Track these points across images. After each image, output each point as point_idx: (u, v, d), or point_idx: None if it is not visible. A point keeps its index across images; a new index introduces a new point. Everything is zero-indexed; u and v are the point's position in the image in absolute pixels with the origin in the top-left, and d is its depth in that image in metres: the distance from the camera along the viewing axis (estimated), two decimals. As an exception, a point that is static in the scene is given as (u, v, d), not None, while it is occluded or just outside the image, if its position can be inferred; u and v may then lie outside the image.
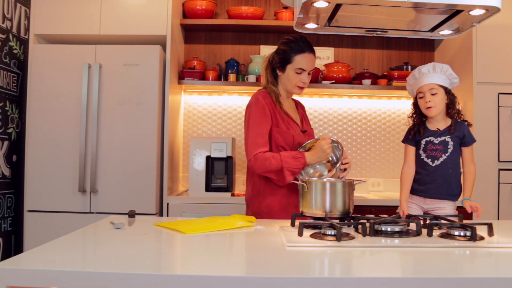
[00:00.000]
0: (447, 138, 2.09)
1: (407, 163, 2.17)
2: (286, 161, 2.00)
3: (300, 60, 2.10)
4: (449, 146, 2.09)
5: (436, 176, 2.10)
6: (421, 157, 2.14)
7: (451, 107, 2.11)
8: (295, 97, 2.35)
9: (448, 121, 2.13)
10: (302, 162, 2.02)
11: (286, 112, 2.17)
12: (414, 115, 2.20)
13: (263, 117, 2.08)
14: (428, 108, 2.08)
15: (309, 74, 2.14)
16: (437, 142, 2.10)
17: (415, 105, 2.19)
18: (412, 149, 2.18)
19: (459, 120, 2.13)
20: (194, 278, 1.03)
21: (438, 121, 2.13)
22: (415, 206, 2.16)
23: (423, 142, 2.14)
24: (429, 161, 2.12)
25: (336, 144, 2.12)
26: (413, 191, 2.17)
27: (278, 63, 2.15)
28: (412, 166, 2.15)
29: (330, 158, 2.13)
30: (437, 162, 2.09)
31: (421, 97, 2.12)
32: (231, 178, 3.05)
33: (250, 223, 1.72)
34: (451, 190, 2.09)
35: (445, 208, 2.10)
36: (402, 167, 2.18)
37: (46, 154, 2.89)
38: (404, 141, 2.21)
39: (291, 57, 2.11)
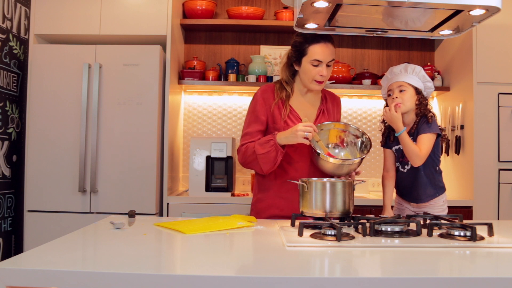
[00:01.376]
0: None
1: (384, 167, 2.14)
2: (258, 148, 1.93)
3: (315, 50, 1.95)
4: None
5: (410, 181, 2.06)
6: (396, 164, 2.11)
7: (418, 107, 2.02)
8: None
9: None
10: (271, 145, 1.91)
11: (292, 108, 2.05)
12: (384, 120, 2.12)
13: (251, 113, 2.05)
14: (396, 105, 2.00)
15: (328, 66, 1.99)
16: (402, 148, 2.04)
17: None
18: (387, 152, 2.13)
19: (425, 116, 2.02)
20: (194, 278, 1.03)
21: (407, 125, 2.03)
22: (407, 210, 2.13)
23: (393, 150, 2.10)
24: (400, 167, 2.09)
25: (361, 138, 2.00)
26: (401, 195, 2.14)
27: (294, 57, 2.03)
28: (390, 170, 2.11)
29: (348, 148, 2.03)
30: (407, 167, 2.06)
31: (389, 95, 2.07)
32: (231, 178, 3.05)
33: (250, 223, 1.72)
34: (429, 191, 2.04)
35: (433, 207, 2.05)
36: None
37: (46, 154, 2.89)
38: (382, 145, 2.17)
39: (305, 49, 1.97)
